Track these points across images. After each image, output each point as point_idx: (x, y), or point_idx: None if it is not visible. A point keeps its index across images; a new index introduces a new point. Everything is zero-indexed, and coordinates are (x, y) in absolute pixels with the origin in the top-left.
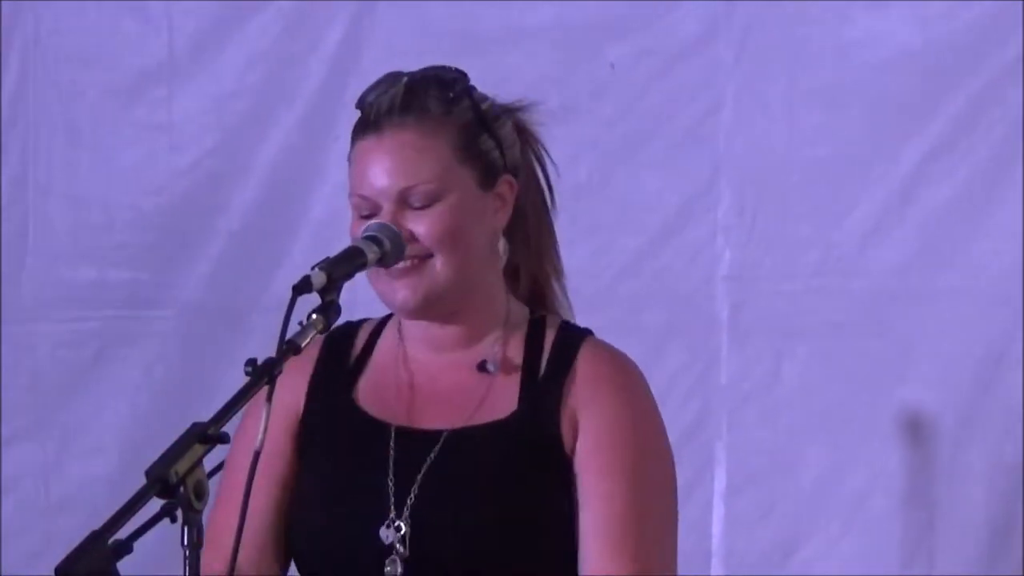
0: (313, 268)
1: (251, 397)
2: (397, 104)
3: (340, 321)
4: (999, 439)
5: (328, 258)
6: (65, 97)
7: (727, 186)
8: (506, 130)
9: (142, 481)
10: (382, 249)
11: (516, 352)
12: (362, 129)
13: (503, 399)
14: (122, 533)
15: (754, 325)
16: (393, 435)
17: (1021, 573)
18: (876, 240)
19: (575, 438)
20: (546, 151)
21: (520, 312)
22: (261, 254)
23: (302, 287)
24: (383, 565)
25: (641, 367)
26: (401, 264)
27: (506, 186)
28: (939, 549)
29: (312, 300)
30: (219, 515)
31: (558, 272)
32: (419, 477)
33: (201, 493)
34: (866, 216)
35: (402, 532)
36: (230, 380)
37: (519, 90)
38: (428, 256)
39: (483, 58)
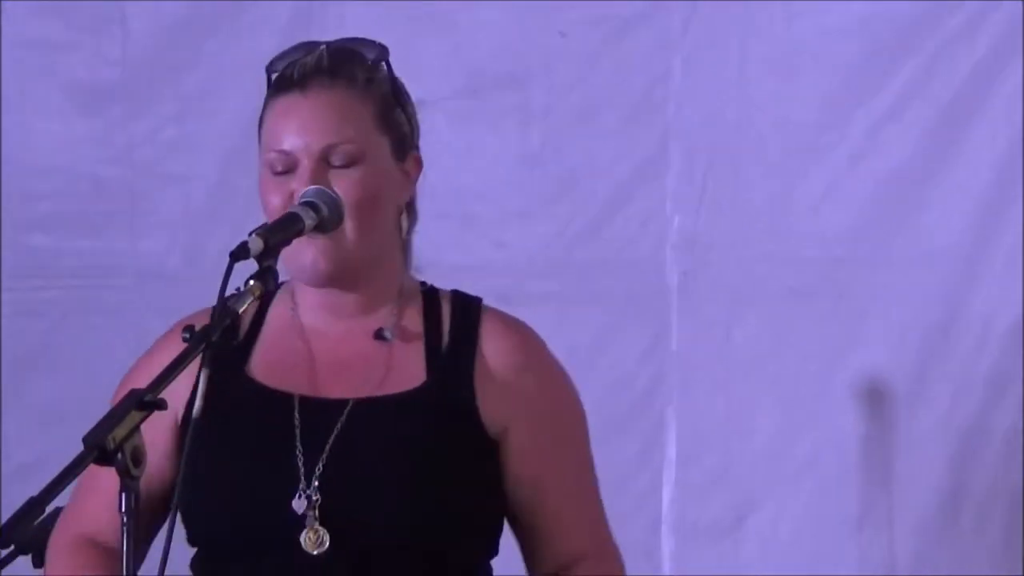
0: (251, 234)
1: (189, 363)
2: (325, 66)
3: None
4: (950, 402)
5: (265, 224)
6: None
7: (677, 153)
8: (412, 108)
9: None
10: (320, 215)
11: (414, 321)
12: (283, 87)
13: (408, 369)
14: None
15: (705, 292)
16: (297, 405)
17: (973, 532)
18: (827, 207)
19: (498, 412)
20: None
21: (412, 284)
22: (219, 223)
23: (239, 253)
24: (297, 536)
25: (593, 334)
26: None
27: (413, 161)
28: (895, 511)
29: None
30: (87, 485)
31: (406, 247)
32: (327, 446)
33: (139, 459)
34: (817, 183)
35: (314, 500)
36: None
37: (473, 58)
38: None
39: (438, 28)
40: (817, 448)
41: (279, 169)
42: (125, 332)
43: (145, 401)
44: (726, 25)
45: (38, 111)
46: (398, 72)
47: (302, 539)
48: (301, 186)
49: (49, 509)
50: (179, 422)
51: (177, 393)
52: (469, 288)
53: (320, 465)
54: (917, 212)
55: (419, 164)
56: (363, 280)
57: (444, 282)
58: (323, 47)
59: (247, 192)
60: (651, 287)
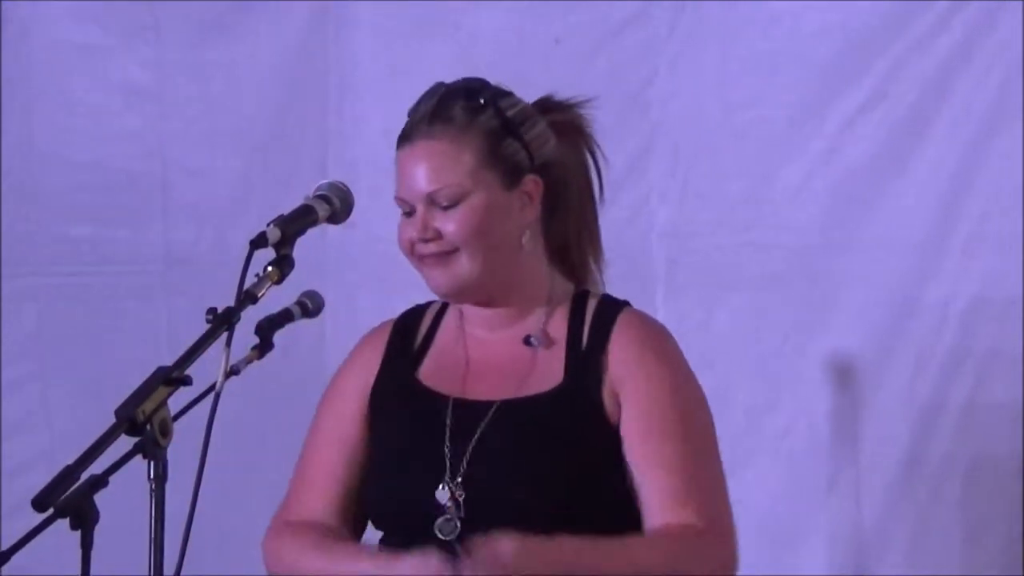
0: (269, 225)
1: (211, 343)
2: (427, 116)
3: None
4: (911, 378)
5: (282, 215)
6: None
7: (662, 150)
8: (536, 130)
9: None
10: (332, 207)
11: (559, 325)
12: (401, 139)
13: (549, 371)
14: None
15: (688, 278)
16: (450, 407)
17: (930, 495)
18: (802, 197)
19: (618, 405)
20: (598, 145)
21: (564, 288)
22: (241, 214)
23: (259, 242)
24: (434, 522)
25: None
26: (424, 251)
27: (532, 184)
28: (862, 477)
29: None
30: (299, 480)
31: (596, 253)
32: (471, 444)
33: (166, 431)
34: (793, 175)
35: (456, 494)
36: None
37: (477, 61)
38: (455, 250)
39: (450, 35)
40: (791, 421)
41: (405, 211)
42: (156, 314)
43: (172, 378)
44: (707, 30)
45: (77, 110)
46: (408, 75)
47: (436, 526)
48: (417, 229)
49: (84, 476)
50: (362, 415)
51: (361, 388)
52: None
53: (464, 461)
54: (883, 203)
55: (538, 185)
56: (501, 295)
57: None
58: (441, 90)
59: (267, 185)
60: (639, 274)
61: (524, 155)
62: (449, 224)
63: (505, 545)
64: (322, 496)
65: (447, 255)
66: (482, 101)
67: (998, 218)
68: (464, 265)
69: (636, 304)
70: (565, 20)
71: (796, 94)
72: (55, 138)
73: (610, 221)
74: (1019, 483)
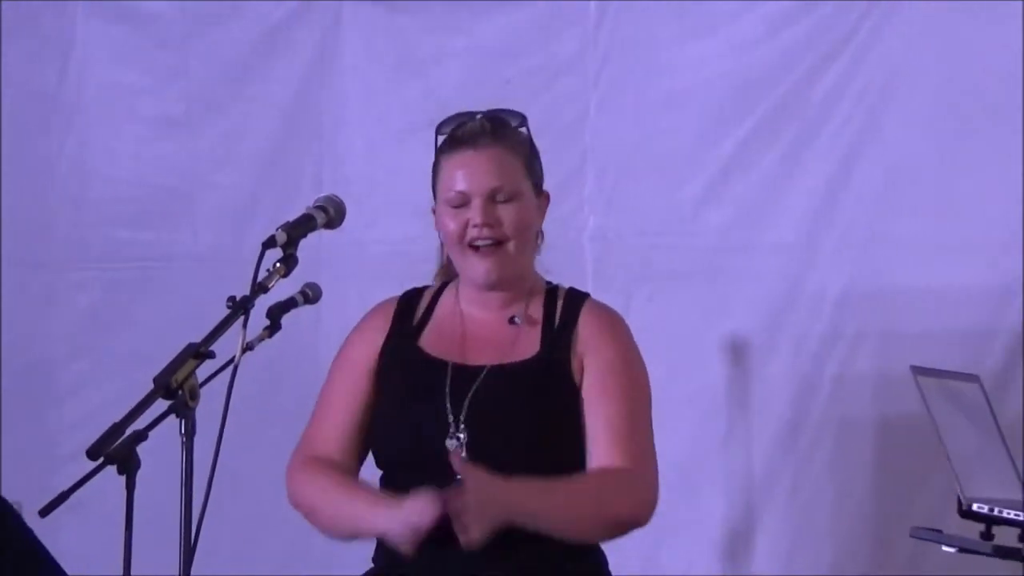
0: (277, 229)
1: (231, 324)
2: (488, 130)
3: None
4: (792, 355)
5: (288, 222)
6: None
7: (592, 171)
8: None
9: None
10: (328, 215)
11: (537, 309)
12: (455, 145)
13: (529, 343)
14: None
15: (612, 272)
16: (450, 370)
17: (808, 451)
18: (705, 208)
19: (582, 372)
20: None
21: (539, 282)
22: (255, 220)
23: (269, 243)
24: (446, 464)
25: None
26: (480, 243)
27: (545, 198)
28: (753, 435)
29: (277, 252)
30: (319, 418)
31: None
32: (467, 399)
33: (194, 395)
34: (696, 190)
35: (462, 440)
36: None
37: (444, 99)
38: (504, 240)
39: (420, 78)
40: (694, 388)
41: (456, 204)
42: (185, 302)
43: (200, 352)
44: (629, 75)
45: (121, 138)
46: (385, 110)
47: (448, 445)
48: (476, 216)
49: (128, 431)
50: (372, 371)
51: (372, 349)
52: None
53: (463, 414)
54: (770, 211)
55: (547, 199)
56: (516, 283)
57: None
58: (480, 115)
59: (274, 198)
60: (573, 269)
61: (541, 173)
62: (507, 215)
63: (476, 493)
64: (338, 436)
65: (499, 245)
66: (522, 124)
67: (862, 225)
68: (511, 255)
69: None
70: (515, 65)
71: (698, 126)
72: (103, 159)
73: (550, 227)
74: (877, 439)
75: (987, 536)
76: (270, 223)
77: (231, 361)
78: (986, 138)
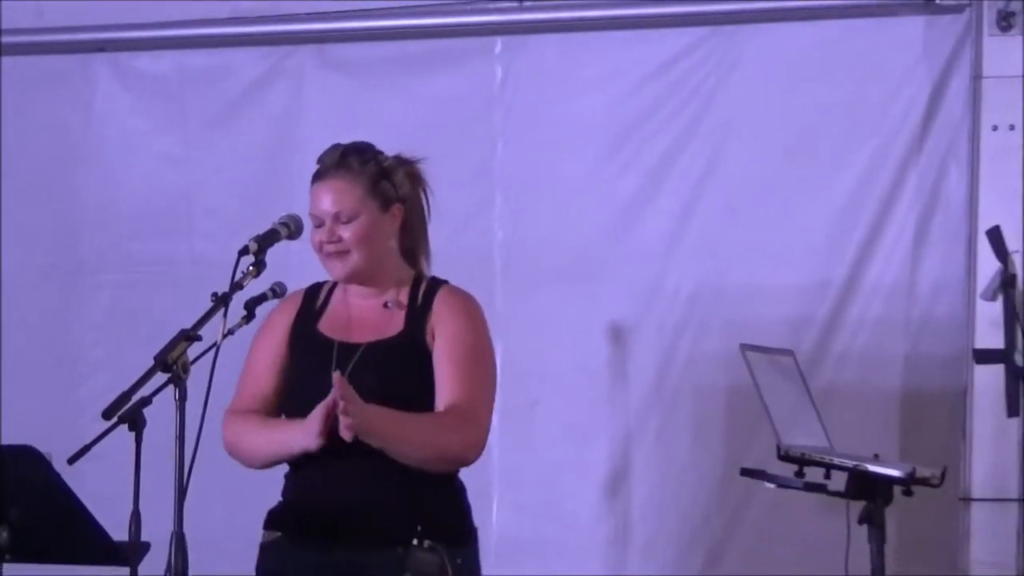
0: (250, 240)
1: (215, 314)
2: (334, 164)
3: (286, 284)
4: (657, 339)
5: (259, 234)
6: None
7: (500, 196)
8: (399, 176)
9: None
10: (289, 229)
11: (404, 295)
12: (316, 176)
13: (396, 323)
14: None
15: (515, 273)
16: (336, 347)
17: (671, 408)
18: (590, 221)
19: (434, 341)
20: (428, 188)
21: (408, 273)
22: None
23: (244, 251)
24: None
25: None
26: (330, 250)
27: (397, 210)
28: (629, 399)
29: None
30: (244, 382)
31: (427, 253)
32: (348, 369)
33: (186, 369)
34: (584, 208)
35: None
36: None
37: (386, 140)
38: (348, 251)
39: (372, 124)
40: (581, 364)
41: (316, 224)
42: (185, 301)
43: (189, 335)
44: (528, 123)
45: (133, 170)
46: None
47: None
48: (324, 235)
49: (135, 398)
50: (285, 342)
51: (284, 327)
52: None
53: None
54: (641, 223)
55: (400, 210)
56: (374, 277)
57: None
58: (340, 149)
59: (256, 218)
60: (485, 271)
61: (393, 192)
62: (347, 233)
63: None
64: (259, 396)
65: (344, 253)
66: (368, 156)
67: (709, 237)
68: (354, 260)
69: (483, 289)
70: (440, 117)
71: (583, 161)
72: (120, 187)
73: (467, 239)
74: (721, 401)
75: (800, 475)
76: (251, 237)
77: (215, 345)
78: (806, 168)
